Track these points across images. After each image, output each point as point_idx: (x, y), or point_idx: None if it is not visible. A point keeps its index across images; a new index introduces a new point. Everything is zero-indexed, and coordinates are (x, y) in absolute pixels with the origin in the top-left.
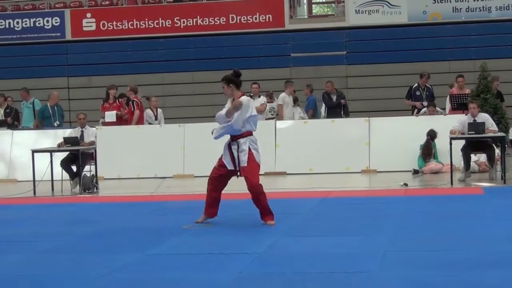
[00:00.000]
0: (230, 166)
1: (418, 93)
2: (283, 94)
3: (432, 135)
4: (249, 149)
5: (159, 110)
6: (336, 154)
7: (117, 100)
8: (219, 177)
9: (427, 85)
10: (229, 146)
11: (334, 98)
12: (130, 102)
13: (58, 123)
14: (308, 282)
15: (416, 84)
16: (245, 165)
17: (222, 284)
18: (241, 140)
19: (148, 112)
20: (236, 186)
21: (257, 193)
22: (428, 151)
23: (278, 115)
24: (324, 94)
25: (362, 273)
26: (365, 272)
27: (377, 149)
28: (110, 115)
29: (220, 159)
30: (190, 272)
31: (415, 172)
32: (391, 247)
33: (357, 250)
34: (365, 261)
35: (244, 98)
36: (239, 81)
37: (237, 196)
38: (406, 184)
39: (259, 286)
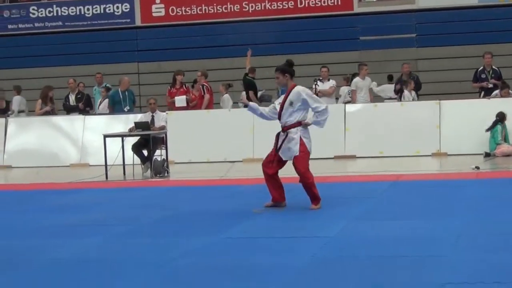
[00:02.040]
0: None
1: (483, 75)
2: (356, 79)
3: (500, 117)
4: (300, 138)
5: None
6: (407, 137)
7: (183, 85)
8: (269, 163)
9: (493, 67)
10: (277, 135)
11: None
12: (201, 86)
13: (128, 108)
14: (381, 266)
15: (481, 67)
16: (297, 154)
17: (296, 268)
18: (292, 130)
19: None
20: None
21: (304, 181)
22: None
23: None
24: (402, 76)
25: (435, 257)
26: (439, 256)
27: (448, 132)
28: (181, 100)
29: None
30: (262, 255)
31: (487, 155)
32: (465, 231)
33: (430, 234)
34: (438, 245)
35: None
36: (293, 70)
37: None
38: (477, 167)
39: (332, 269)
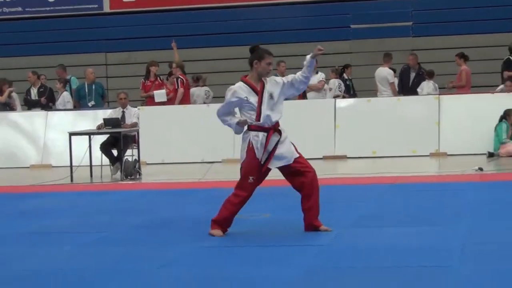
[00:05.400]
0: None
1: None
2: (389, 70)
3: (508, 114)
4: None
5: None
6: (402, 135)
7: (158, 78)
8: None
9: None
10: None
11: (413, 75)
12: (175, 79)
13: (93, 103)
14: (382, 278)
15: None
16: (297, 155)
17: (288, 280)
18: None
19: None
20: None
21: (316, 184)
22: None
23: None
24: (404, 69)
25: (441, 268)
26: (444, 266)
27: (447, 130)
28: (160, 94)
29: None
30: (251, 266)
31: (490, 155)
32: (470, 239)
33: (432, 242)
34: (443, 254)
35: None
36: None
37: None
38: (481, 169)
39: (328, 282)
